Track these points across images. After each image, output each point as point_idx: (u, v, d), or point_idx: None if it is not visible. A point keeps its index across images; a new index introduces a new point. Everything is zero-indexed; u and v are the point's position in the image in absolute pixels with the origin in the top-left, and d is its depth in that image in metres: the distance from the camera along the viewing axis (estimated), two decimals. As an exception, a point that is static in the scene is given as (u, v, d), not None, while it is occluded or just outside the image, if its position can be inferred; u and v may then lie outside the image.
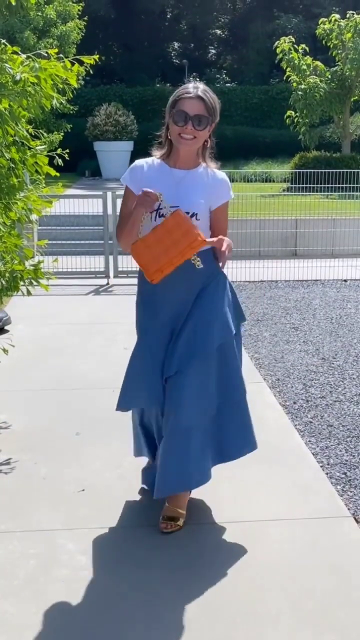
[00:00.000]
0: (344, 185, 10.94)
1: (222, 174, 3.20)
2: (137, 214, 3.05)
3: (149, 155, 3.22)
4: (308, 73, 19.38)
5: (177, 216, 2.98)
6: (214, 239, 3.06)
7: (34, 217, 4.10)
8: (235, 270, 9.13)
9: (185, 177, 3.12)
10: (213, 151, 3.20)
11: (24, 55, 3.69)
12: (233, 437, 3.29)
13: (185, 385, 3.08)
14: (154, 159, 3.18)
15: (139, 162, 3.20)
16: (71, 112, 18.52)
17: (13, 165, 3.77)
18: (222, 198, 3.18)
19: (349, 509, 3.44)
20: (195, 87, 3.04)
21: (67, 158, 4.13)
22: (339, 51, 19.65)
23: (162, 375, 3.15)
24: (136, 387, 3.20)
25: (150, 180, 3.10)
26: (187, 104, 2.99)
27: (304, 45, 19.60)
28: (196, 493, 3.43)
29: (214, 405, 3.19)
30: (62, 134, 16.89)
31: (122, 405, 3.27)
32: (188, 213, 3.04)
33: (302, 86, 19.11)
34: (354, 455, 4.05)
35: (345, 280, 9.17)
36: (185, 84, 3.10)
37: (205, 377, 3.13)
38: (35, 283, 4.06)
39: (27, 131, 3.80)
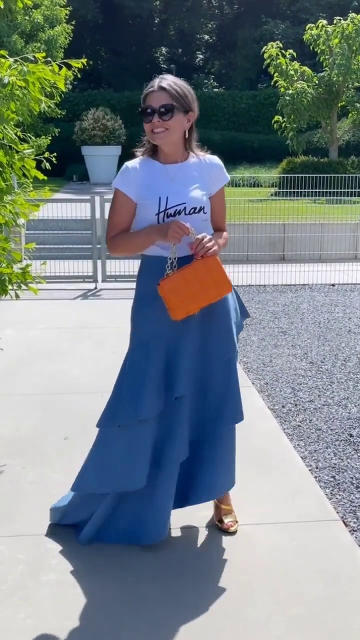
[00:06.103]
0: (332, 190, 10.99)
1: (214, 158, 3.08)
2: (149, 239, 2.93)
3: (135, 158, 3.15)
4: (295, 78, 19.46)
5: (209, 262, 2.86)
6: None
7: (21, 221, 4.09)
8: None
9: (179, 170, 2.99)
10: (198, 143, 3.08)
11: (11, 59, 3.68)
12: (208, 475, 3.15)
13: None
14: (142, 158, 3.05)
15: (130, 163, 3.03)
16: (59, 116, 18.53)
17: (1, 169, 3.76)
18: (219, 182, 3.08)
19: (337, 512, 3.44)
20: (160, 79, 2.94)
21: (54, 162, 4.12)
22: (326, 57, 19.76)
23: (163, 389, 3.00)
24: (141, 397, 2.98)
25: (145, 180, 2.97)
26: (151, 98, 2.90)
27: (291, 51, 19.68)
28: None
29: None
30: (50, 138, 16.87)
31: (134, 417, 2.98)
32: (195, 208, 2.94)
33: (290, 91, 19.18)
34: (342, 459, 4.06)
35: (333, 285, 9.20)
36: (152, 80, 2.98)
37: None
38: (24, 286, 4.04)
39: (16, 134, 3.79)
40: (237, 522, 3.27)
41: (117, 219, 3.02)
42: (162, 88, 2.90)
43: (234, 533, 3.22)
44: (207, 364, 3.06)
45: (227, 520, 3.25)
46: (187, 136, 3.02)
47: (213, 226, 3.12)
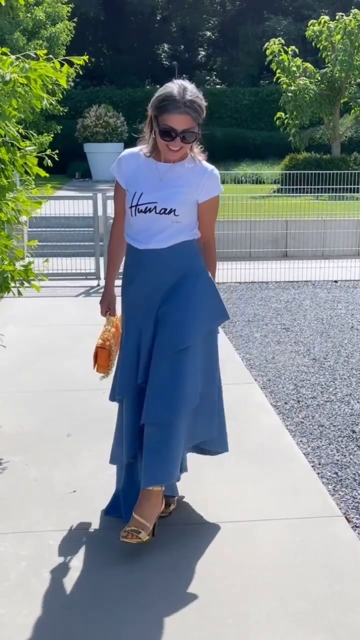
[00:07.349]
0: (334, 187, 10.98)
1: (209, 167, 3.05)
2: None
3: None
4: (298, 75, 19.45)
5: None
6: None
7: (23, 218, 4.09)
8: (226, 272, 9.13)
9: (170, 171, 3.01)
10: (200, 144, 3.06)
11: (13, 56, 3.69)
12: (205, 432, 3.27)
13: (153, 383, 3.02)
14: (141, 149, 3.06)
15: (126, 152, 3.11)
16: (61, 113, 18.53)
17: (2, 166, 3.76)
18: (209, 192, 3.04)
19: (340, 508, 3.44)
20: (180, 93, 2.82)
21: (56, 159, 4.13)
22: (329, 53, 19.74)
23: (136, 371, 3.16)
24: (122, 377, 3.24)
25: (134, 172, 3.05)
26: (174, 120, 2.83)
27: (293, 47, 19.66)
28: (188, 492, 3.44)
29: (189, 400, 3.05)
30: (52, 135, 16.87)
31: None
32: (165, 209, 2.97)
33: (292, 88, 19.17)
34: (344, 455, 4.06)
35: (335, 281, 9.19)
36: (170, 86, 2.87)
37: (176, 374, 3.01)
38: (26, 284, 4.05)
39: (17, 131, 3.79)
40: (137, 535, 2.93)
41: (116, 203, 3.19)
42: (187, 112, 2.83)
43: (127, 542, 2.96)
44: (156, 353, 3.05)
45: (127, 528, 2.97)
46: None
47: (201, 237, 3.16)
